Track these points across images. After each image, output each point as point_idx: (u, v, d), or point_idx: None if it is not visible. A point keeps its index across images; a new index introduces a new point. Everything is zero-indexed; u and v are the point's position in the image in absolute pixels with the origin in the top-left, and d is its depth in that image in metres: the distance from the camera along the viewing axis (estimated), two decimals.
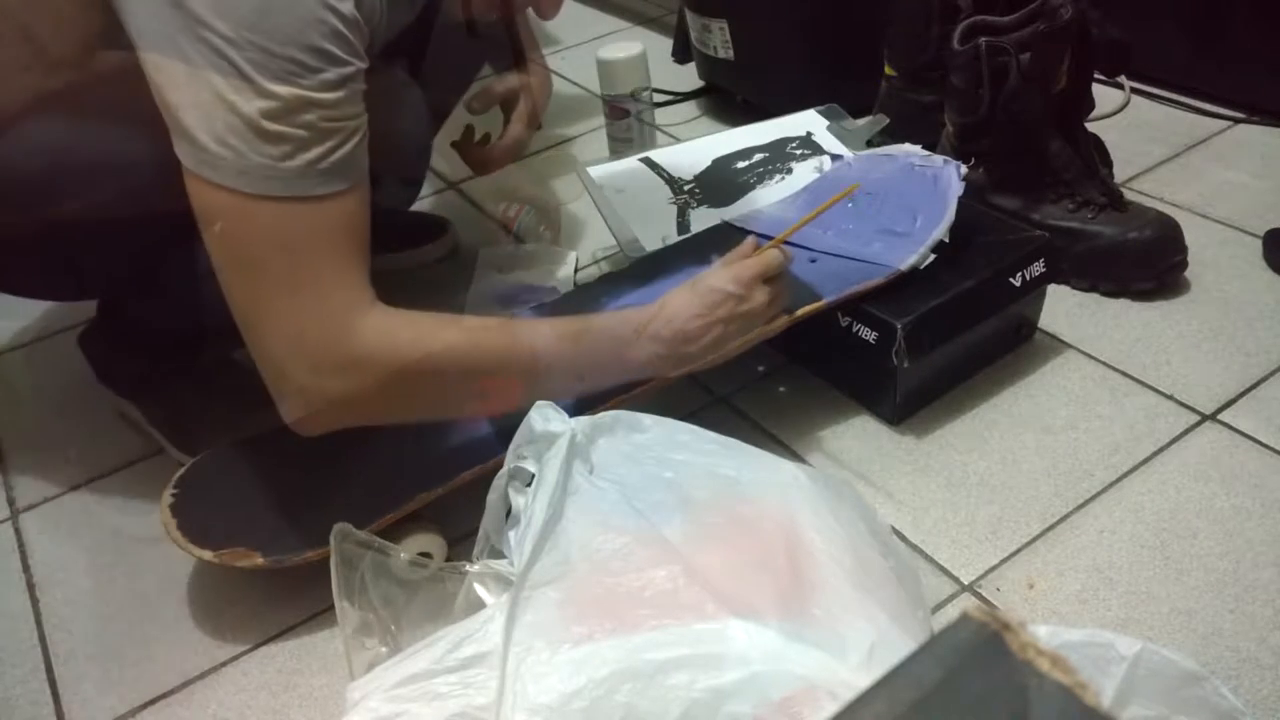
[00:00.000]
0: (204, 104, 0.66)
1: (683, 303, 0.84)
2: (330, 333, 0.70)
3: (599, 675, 0.58)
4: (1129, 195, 1.14)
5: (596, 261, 1.26)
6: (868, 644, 0.60)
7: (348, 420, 0.76)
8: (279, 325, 0.70)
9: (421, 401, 0.78)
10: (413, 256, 1.28)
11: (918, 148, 1.08)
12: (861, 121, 1.22)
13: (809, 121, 1.22)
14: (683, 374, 0.87)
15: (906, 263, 0.94)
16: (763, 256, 0.87)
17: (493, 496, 0.74)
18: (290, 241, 0.69)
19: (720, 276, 0.85)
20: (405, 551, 0.74)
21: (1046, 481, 0.91)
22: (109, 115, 0.80)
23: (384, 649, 0.70)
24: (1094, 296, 1.11)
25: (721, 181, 1.15)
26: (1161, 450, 0.92)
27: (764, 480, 0.72)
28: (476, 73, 1.13)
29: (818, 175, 1.12)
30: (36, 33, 0.79)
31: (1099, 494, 0.89)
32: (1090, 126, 1.17)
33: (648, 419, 0.76)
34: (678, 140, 1.34)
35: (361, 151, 0.72)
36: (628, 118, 1.31)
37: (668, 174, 1.17)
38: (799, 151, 1.17)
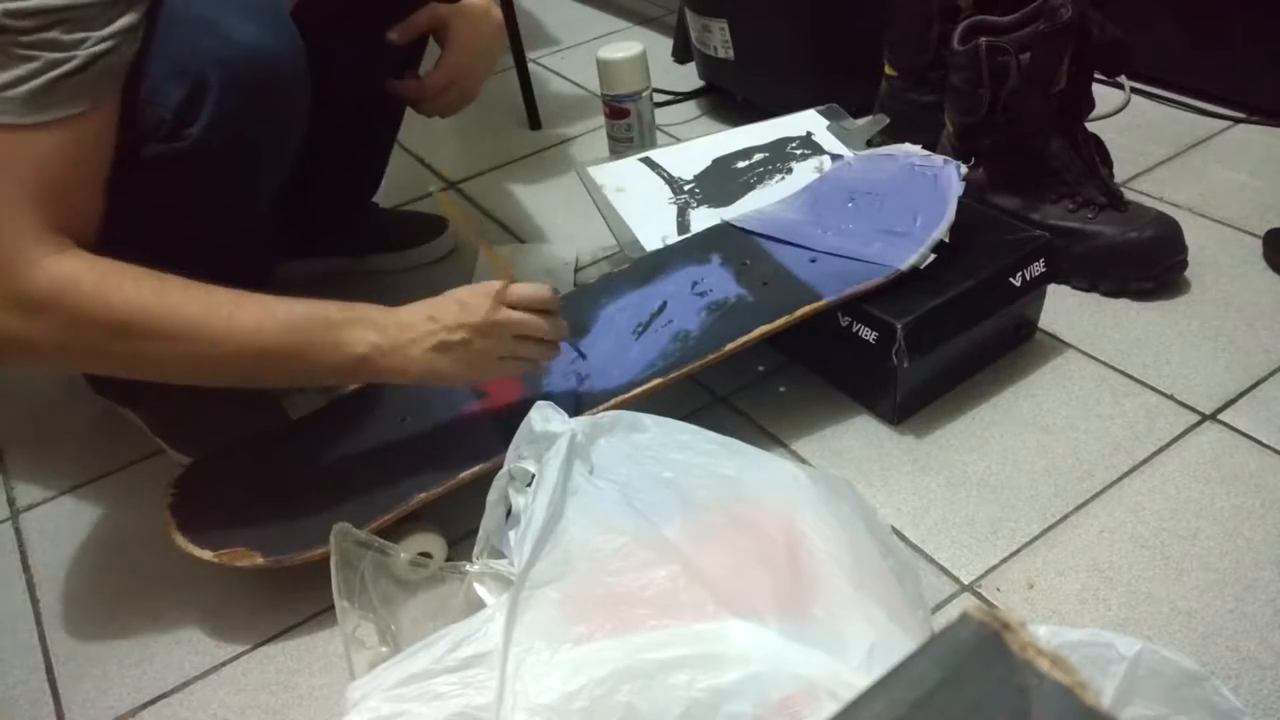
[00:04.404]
0: None
1: (422, 301, 0.81)
2: (3, 270, 0.68)
3: (599, 675, 0.58)
4: (1129, 195, 1.14)
5: (596, 261, 1.27)
6: (868, 644, 0.60)
7: (25, 361, 0.73)
8: None
9: (106, 357, 0.73)
10: (412, 256, 1.28)
11: (918, 148, 1.08)
12: (861, 121, 1.22)
13: (809, 121, 1.22)
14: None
15: (906, 263, 0.94)
16: (517, 284, 0.82)
17: (493, 496, 0.74)
18: None
19: (463, 288, 0.82)
20: (405, 551, 0.74)
21: (1046, 481, 0.91)
22: None
23: (384, 649, 0.70)
24: (1094, 296, 1.11)
25: (721, 181, 1.15)
26: (1161, 450, 0.92)
27: (764, 480, 0.72)
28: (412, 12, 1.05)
29: (818, 175, 1.12)
30: None
31: (1099, 494, 0.89)
32: (1090, 126, 1.16)
33: (648, 419, 0.76)
34: (678, 140, 1.34)
35: (69, 88, 0.68)
36: (628, 118, 1.31)
37: (668, 174, 1.17)
38: (799, 151, 1.17)
